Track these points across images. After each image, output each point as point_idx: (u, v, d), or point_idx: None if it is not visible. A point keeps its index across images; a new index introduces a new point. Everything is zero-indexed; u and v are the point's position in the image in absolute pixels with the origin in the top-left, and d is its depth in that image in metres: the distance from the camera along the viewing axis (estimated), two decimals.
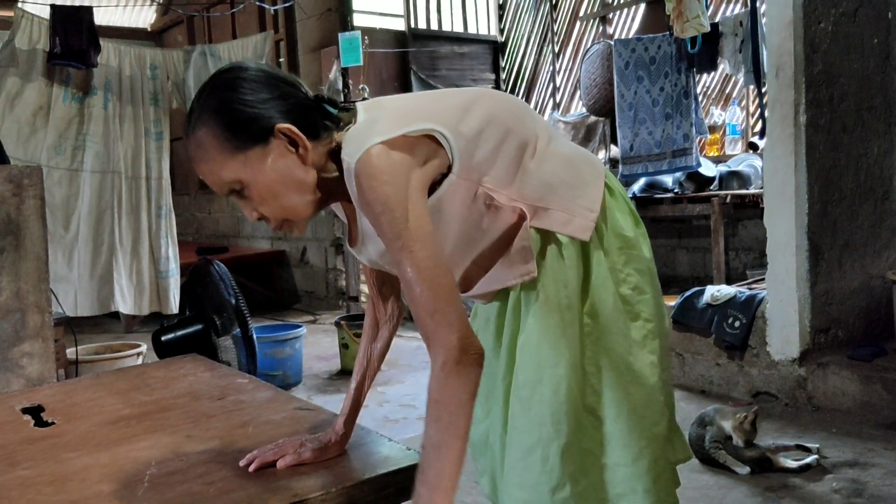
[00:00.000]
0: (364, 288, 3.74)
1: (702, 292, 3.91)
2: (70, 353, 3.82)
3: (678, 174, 5.02)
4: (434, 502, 1.10)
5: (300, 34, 6.91)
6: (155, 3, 8.97)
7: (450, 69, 7.27)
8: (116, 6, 9.05)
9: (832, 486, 2.70)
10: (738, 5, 5.65)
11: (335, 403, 1.65)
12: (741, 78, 4.85)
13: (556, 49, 6.99)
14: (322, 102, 1.25)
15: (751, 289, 3.92)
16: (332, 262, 6.91)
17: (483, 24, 7.72)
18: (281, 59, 7.00)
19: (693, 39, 4.75)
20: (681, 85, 4.94)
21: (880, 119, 3.80)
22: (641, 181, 5.18)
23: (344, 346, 4.61)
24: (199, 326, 3.43)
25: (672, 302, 3.98)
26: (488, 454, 1.47)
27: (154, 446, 1.44)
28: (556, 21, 7.01)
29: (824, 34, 3.56)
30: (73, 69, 5.28)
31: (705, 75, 5.38)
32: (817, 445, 2.96)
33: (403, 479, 1.25)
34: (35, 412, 1.67)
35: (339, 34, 5.97)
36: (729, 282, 4.51)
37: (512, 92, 7.26)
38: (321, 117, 1.24)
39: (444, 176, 1.22)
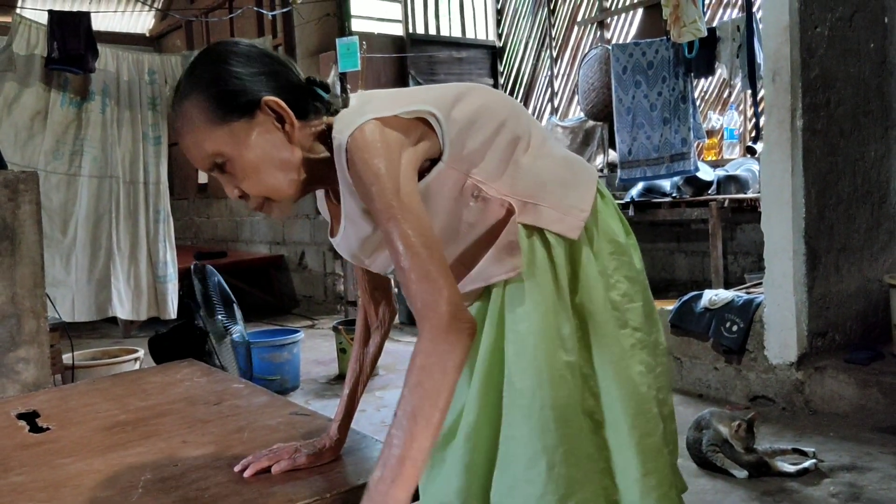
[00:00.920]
0: None
1: (699, 296, 3.91)
2: (66, 358, 3.82)
3: (676, 178, 5.02)
4: (403, 472, 1.03)
5: (298, 39, 6.93)
6: (153, 9, 8.98)
7: (448, 74, 7.28)
8: (115, 12, 9.07)
9: (829, 490, 2.69)
10: (736, 10, 5.66)
11: (333, 408, 1.65)
12: (738, 82, 4.86)
13: (554, 54, 7.01)
14: (314, 85, 1.22)
15: (749, 293, 3.92)
16: (331, 267, 6.91)
17: (481, 28, 7.74)
18: None
19: (690, 44, 4.77)
20: (678, 89, 4.95)
21: (877, 123, 3.81)
22: (640, 185, 5.19)
23: (342, 351, 4.61)
24: (196, 331, 3.43)
25: (670, 306, 3.98)
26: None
27: (149, 452, 1.44)
28: (553, 26, 7.03)
29: (821, 38, 3.57)
30: (70, 74, 5.29)
31: (703, 80, 5.40)
32: (814, 450, 2.96)
33: None
34: (30, 418, 1.67)
35: (337, 39, 5.98)
36: (727, 286, 4.52)
37: (510, 96, 7.27)
38: (311, 99, 1.22)
39: (433, 164, 1.20)
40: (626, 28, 6.44)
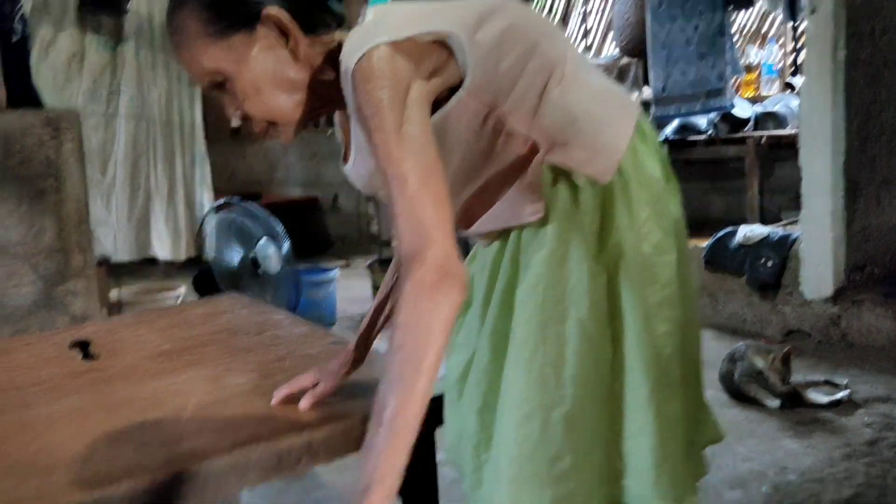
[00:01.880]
0: None
1: (734, 233, 3.89)
2: (112, 294, 3.92)
3: (712, 115, 4.94)
4: (393, 445, 0.89)
5: None
6: None
7: None
8: None
9: (864, 420, 2.71)
10: None
11: None
12: (779, 14, 4.74)
13: None
14: None
15: (784, 230, 3.89)
16: (364, 208, 6.95)
17: None
18: None
19: None
20: (716, 22, 4.83)
21: None
22: (674, 123, 5.12)
23: (376, 289, 4.66)
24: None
25: (704, 243, 3.96)
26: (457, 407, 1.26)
27: (195, 378, 1.49)
28: None
29: None
30: (104, 17, 5.31)
31: (742, 12, 5.27)
32: (846, 381, 2.96)
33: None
34: (83, 346, 1.73)
35: None
36: (763, 224, 4.48)
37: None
38: (321, 11, 1.10)
39: (452, 92, 1.06)
40: None
